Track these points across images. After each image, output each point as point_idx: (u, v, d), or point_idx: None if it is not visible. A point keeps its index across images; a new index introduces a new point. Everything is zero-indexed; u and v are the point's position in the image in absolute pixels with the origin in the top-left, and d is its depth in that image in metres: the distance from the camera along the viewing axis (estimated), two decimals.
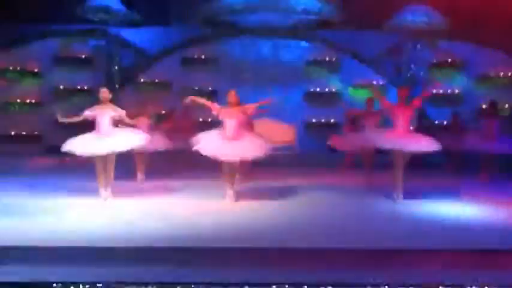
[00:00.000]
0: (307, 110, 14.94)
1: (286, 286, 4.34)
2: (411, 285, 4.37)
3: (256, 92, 13.76)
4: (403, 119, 7.13)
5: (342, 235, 5.49)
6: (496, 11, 13.08)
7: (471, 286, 4.37)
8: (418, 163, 10.57)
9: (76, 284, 4.29)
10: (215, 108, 7.45)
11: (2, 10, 13.71)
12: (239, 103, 7.52)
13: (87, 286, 4.29)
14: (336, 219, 6.30)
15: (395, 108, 7.19)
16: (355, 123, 9.40)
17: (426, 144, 7.17)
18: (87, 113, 7.43)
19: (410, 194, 7.39)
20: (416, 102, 7.35)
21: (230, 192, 7.43)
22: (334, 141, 9.92)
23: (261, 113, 10.27)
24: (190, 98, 7.61)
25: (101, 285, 4.31)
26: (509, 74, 14.41)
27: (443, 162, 11.35)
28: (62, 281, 4.30)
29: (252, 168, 9.38)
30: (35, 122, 14.32)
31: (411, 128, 7.76)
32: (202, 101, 7.50)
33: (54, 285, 4.30)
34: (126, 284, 4.33)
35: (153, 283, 4.34)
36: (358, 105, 9.73)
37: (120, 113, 7.51)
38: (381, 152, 7.63)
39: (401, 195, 7.26)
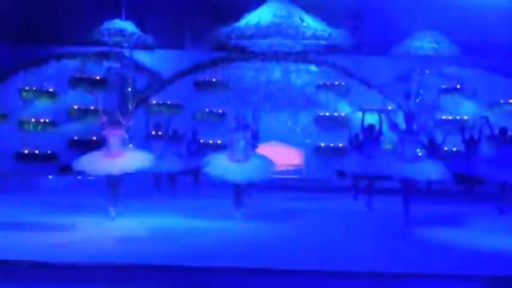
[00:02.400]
0: (316, 133, 15.07)
1: None
2: None
3: (266, 115, 14.01)
4: (409, 143, 7.20)
5: (345, 258, 5.52)
6: (504, 38, 13.23)
7: None
8: (428, 189, 10.64)
9: None
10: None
11: (20, 31, 14.17)
12: (246, 125, 7.67)
13: None
14: (341, 242, 6.33)
15: (402, 133, 7.27)
16: (360, 147, 9.48)
17: (434, 172, 7.20)
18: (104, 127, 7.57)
19: (419, 219, 7.40)
20: (423, 127, 7.42)
21: (237, 213, 7.52)
22: (341, 165, 9.98)
23: (269, 135, 10.47)
24: None
25: None
26: None
27: (454, 187, 11.35)
28: None
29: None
30: (49, 140, 14.61)
31: (419, 153, 7.78)
32: None
33: None
34: None
35: None
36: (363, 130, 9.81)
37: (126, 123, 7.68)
38: (388, 178, 7.67)
39: (409, 220, 7.27)
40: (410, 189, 7.26)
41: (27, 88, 14.95)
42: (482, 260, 5.51)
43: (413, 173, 7.09)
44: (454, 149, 11.97)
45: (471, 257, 5.64)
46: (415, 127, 7.37)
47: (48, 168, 13.74)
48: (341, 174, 11.29)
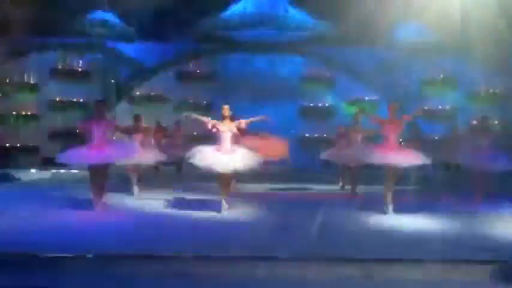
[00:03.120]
0: (301, 124, 15.11)
1: None
2: None
3: (251, 106, 13.99)
4: (393, 133, 7.29)
5: (330, 245, 5.59)
6: (487, 29, 13.37)
7: None
8: (411, 178, 10.77)
9: None
10: (211, 123, 7.62)
11: (1, 23, 13.88)
12: (233, 117, 7.67)
13: None
14: (325, 230, 6.40)
15: (385, 123, 7.36)
16: (346, 138, 9.56)
17: (415, 159, 7.31)
18: (83, 124, 7.54)
19: (401, 207, 7.50)
20: (407, 118, 7.52)
21: (223, 203, 7.54)
22: (327, 155, 10.06)
23: (255, 127, 10.46)
24: (192, 116, 7.84)
25: None
26: (498, 91, 14.67)
27: (437, 176, 11.53)
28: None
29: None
30: (31, 133, 14.40)
31: (401, 142, 7.86)
32: (199, 117, 7.70)
33: None
34: None
35: None
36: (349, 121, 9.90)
37: (115, 125, 7.63)
38: (370, 167, 7.76)
39: (391, 208, 7.37)
40: (392, 177, 7.36)
41: (7, 81, 14.67)
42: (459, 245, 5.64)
43: (395, 161, 7.19)
44: (436, 137, 12.12)
45: (445, 242, 5.75)
46: (396, 116, 7.46)
47: (30, 161, 13.57)
48: (326, 164, 11.38)
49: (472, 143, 9.34)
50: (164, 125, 11.24)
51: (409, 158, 7.29)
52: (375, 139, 8.70)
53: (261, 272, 4.85)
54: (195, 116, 7.77)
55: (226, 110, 7.61)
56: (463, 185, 9.91)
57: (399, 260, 5.06)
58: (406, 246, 5.59)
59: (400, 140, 8.00)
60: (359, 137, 9.05)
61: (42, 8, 14.45)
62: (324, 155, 10.14)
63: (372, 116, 7.67)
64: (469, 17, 13.62)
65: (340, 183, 10.15)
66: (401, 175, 7.56)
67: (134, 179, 9.29)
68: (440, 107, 14.80)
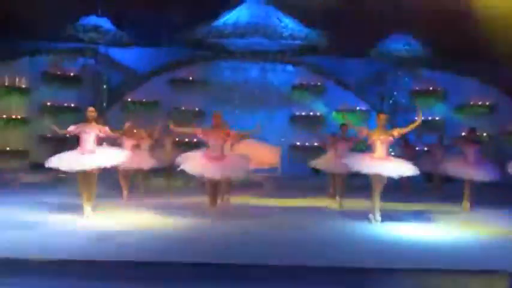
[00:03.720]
0: (292, 132, 15.20)
1: None
2: None
3: (242, 114, 14.06)
4: (381, 144, 7.37)
5: (318, 254, 5.64)
6: (475, 43, 13.59)
7: None
8: (399, 186, 10.89)
9: None
10: (199, 132, 7.68)
11: None
12: (224, 124, 7.74)
13: None
14: (314, 239, 6.45)
15: (374, 134, 7.44)
16: (334, 146, 9.66)
17: (404, 169, 7.40)
18: (71, 129, 7.56)
19: (388, 216, 7.58)
20: (395, 133, 7.53)
21: (211, 210, 7.57)
22: (315, 163, 10.13)
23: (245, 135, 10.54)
24: (174, 128, 7.85)
25: None
26: (487, 103, 14.91)
27: (425, 186, 11.66)
28: None
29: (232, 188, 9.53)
30: (20, 137, 14.32)
31: (390, 153, 7.96)
32: (185, 130, 7.71)
33: None
34: None
35: None
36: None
37: (105, 131, 7.65)
38: (357, 176, 7.83)
39: (378, 217, 7.44)
40: (380, 187, 7.44)
41: None
42: (445, 255, 5.71)
43: (384, 171, 7.27)
44: (426, 148, 12.24)
45: (436, 252, 5.83)
46: (385, 127, 7.55)
47: (19, 165, 13.48)
48: (316, 172, 11.45)
49: (460, 153, 9.50)
50: (155, 131, 11.26)
51: (397, 168, 7.37)
52: (365, 149, 8.79)
53: (247, 278, 4.89)
54: (181, 129, 7.79)
55: (217, 117, 7.68)
56: (451, 194, 10.06)
57: (388, 270, 5.11)
58: (394, 255, 5.66)
59: (390, 150, 8.11)
60: (346, 146, 9.16)
61: (36, 12, 14.44)
62: (313, 163, 10.22)
63: (359, 128, 7.79)
64: (458, 28, 13.86)
65: (330, 191, 10.22)
66: (388, 185, 7.63)
67: (125, 184, 9.30)
68: (429, 118, 14.99)
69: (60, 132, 7.73)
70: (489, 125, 14.41)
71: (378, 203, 7.43)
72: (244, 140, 9.65)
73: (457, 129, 13.82)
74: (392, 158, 7.79)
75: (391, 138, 7.44)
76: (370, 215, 7.49)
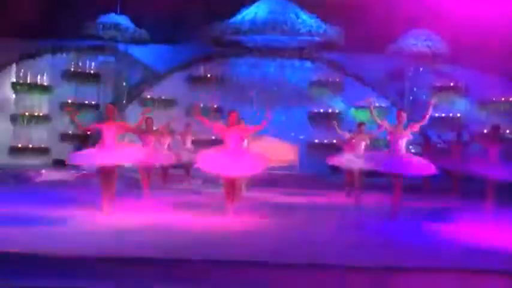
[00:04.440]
0: (310, 130, 15.12)
1: None
2: None
3: (260, 111, 14.03)
4: (399, 141, 7.28)
5: (337, 252, 5.60)
6: (498, 37, 13.33)
7: None
8: (420, 185, 10.76)
9: None
10: (217, 127, 7.69)
11: (14, 25, 14.09)
12: (239, 122, 7.73)
13: None
14: (332, 236, 6.42)
15: (393, 130, 7.35)
16: (352, 144, 9.60)
17: (423, 168, 7.30)
18: (92, 126, 7.66)
19: (408, 214, 7.50)
20: (414, 127, 7.45)
21: (230, 207, 7.58)
22: (333, 160, 10.07)
23: (264, 131, 10.52)
24: (196, 115, 7.89)
25: None
26: (510, 100, 14.57)
27: (446, 185, 11.47)
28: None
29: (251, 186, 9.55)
30: (42, 135, 14.58)
31: (410, 150, 7.86)
32: (205, 120, 7.72)
33: None
34: None
35: None
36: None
37: (125, 127, 7.73)
38: (375, 174, 7.75)
39: (398, 215, 7.37)
40: (400, 185, 7.35)
41: (20, 82, 14.87)
42: (467, 253, 5.63)
43: (403, 169, 7.18)
44: (448, 146, 12.04)
45: (456, 251, 5.74)
46: (405, 124, 7.45)
47: (41, 161, 13.73)
48: (334, 170, 11.38)
49: (482, 151, 9.32)
50: (174, 128, 11.33)
51: (418, 167, 7.27)
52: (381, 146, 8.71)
53: (263, 277, 4.88)
54: (202, 119, 7.79)
55: (233, 116, 7.66)
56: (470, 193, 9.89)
57: (409, 269, 5.05)
58: (416, 254, 5.59)
59: (410, 146, 8.02)
60: (363, 144, 9.10)
61: (57, 11, 14.67)
62: (331, 160, 10.15)
63: (381, 122, 7.66)
64: (479, 24, 13.61)
65: (346, 189, 10.15)
66: (407, 182, 7.54)
67: (145, 181, 9.39)
68: (450, 114, 14.77)
69: (81, 127, 7.83)
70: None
71: (398, 201, 7.35)
72: (260, 136, 9.66)
73: (479, 126, 13.56)
74: (411, 155, 7.68)
75: (409, 135, 7.35)
76: (392, 214, 7.41)
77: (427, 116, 7.48)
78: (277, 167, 11.02)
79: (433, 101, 7.91)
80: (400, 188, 7.36)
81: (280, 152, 10.51)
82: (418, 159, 7.55)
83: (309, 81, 15.39)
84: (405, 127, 7.42)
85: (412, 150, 12.24)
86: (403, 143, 7.29)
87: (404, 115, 7.54)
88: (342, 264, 5.06)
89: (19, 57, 14.91)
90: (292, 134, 14.26)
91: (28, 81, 14.82)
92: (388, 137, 7.46)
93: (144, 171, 9.35)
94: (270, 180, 11.32)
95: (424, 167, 7.29)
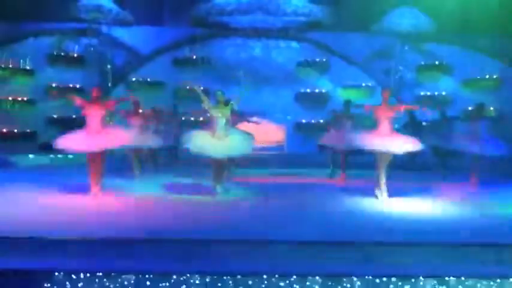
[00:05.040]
0: (298, 110, 15.16)
1: (276, 276, 4.54)
2: (393, 276, 4.58)
3: (246, 92, 14.00)
4: (385, 119, 7.36)
5: (325, 229, 5.71)
6: (482, 15, 13.41)
7: (448, 277, 4.60)
8: (405, 163, 10.90)
9: (76, 272, 4.46)
10: (206, 104, 7.69)
11: None
12: (227, 102, 7.74)
13: (87, 275, 4.45)
14: (321, 214, 6.53)
15: (378, 109, 7.43)
16: (338, 123, 9.68)
17: (408, 145, 7.40)
18: (79, 100, 7.58)
19: (394, 192, 7.63)
20: (400, 108, 7.67)
21: (217, 188, 7.65)
22: (322, 140, 10.14)
23: (251, 112, 10.55)
24: (192, 87, 7.91)
25: (100, 274, 4.48)
26: (495, 77, 14.72)
27: (431, 162, 11.64)
28: (62, 269, 4.47)
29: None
30: (28, 119, 14.41)
31: (394, 128, 7.95)
32: (201, 94, 7.73)
33: (56, 273, 4.46)
34: (124, 273, 4.50)
35: (147, 272, 4.53)
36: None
37: (110, 104, 7.73)
38: (363, 152, 7.84)
39: (385, 193, 7.48)
40: (385, 163, 7.45)
41: (3, 66, 14.61)
42: (452, 228, 5.78)
43: (388, 147, 7.28)
44: (434, 123, 12.17)
45: (440, 226, 5.89)
46: (389, 102, 7.53)
47: (27, 146, 13.58)
48: (322, 149, 11.47)
49: (468, 128, 9.47)
50: (160, 110, 11.29)
51: (402, 144, 7.38)
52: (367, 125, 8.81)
53: (255, 254, 4.96)
54: (198, 89, 7.81)
55: (220, 95, 7.68)
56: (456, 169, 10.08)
57: (397, 244, 5.17)
58: (402, 230, 5.71)
59: (395, 125, 8.13)
60: (350, 123, 9.19)
61: None
62: (320, 140, 10.20)
63: (364, 106, 7.84)
64: (464, 3, 13.67)
65: (331, 167, 10.24)
66: (392, 160, 7.64)
67: (135, 162, 9.40)
68: (436, 93, 14.90)
69: (75, 99, 7.68)
70: (496, 100, 14.28)
71: (383, 179, 7.46)
72: (247, 117, 9.69)
73: (464, 104, 13.71)
74: (396, 133, 7.78)
75: (394, 113, 7.43)
76: (377, 191, 7.53)
77: (408, 107, 7.71)
78: (265, 147, 11.11)
79: (423, 108, 8.15)
80: (386, 165, 7.47)
81: (267, 133, 10.59)
82: (403, 137, 7.66)
83: (296, 61, 15.37)
84: (391, 105, 7.50)
85: (396, 126, 12.40)
86: (389, 120, 7.38)
87: (387, 94, 7.61)
88: (324, 241, 5.17)
89: (0, 41, 14.61)
90: (288, 117, 14.34)
91: (11, 66, 14.56)
92: (374, 116, 7.54)
93: (132, 153, 9.35)
94: (257, 160, 11.38)
95: (410, 143, 7.41)
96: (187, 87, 7.94)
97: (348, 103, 9.51)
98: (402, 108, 8.00)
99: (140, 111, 9.77)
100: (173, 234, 5.28)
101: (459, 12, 13.85)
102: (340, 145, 9.01)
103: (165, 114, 11.10)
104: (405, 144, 7.37)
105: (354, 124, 9.17)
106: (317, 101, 15.06)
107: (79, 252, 4.89)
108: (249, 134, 8.03)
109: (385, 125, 7.36)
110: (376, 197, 7.51)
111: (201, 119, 13.52)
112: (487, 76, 14.72)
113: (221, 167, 7.83)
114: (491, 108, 13.99)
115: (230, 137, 7.62)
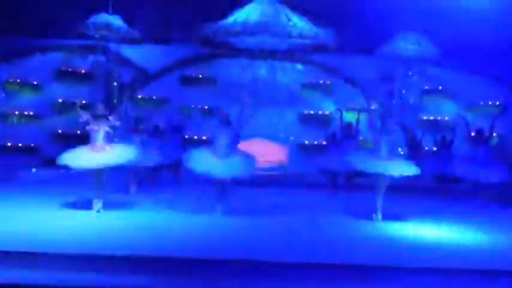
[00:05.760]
0: (301, 131, 15.22)
1: None
2: None
3: (251, 112, 14.10)
4: (382, 142, 7.41)
5: (322, 250, 5.70)
6: (485, 40, 13.54)
7: None
8: (406, 186, 10.89)
9: None
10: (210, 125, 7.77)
11: (5, 23, 14.05)
12: (229, 122, 7.80)
13: None
14: (318, 236, 6.52)
15: (378, 132, 7.48)
16: (338, 144, 9.72)
17: (406, 168, 7.44)
18: (84, 115, 7.65)
19: (391, 215, 7.63)
20: (395, 127, 7.63)
21: (219, 207, 7.66)
22: (319, 162, 10.16)
23: (255, 133, 10.62)
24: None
25: None
26: (497, 103, 14.79)
27: (432, 186, 11.62)
28: (58, 285, 4.48)
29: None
30: (32, 134, 14.52)
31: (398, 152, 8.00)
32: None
33: None
34: None
35: None
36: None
37: (114, 121, 7.80)
38: (362, 174, 7.87)
39: (380, 216, 7.49)
40: (383, 186, 7.47)
41: (11, 80, 14.81)
42: (448, 254, 5.75)
43: (386, 170, 7.31)
44: (435, 148, 12.21)
45: (439, 251, 5.86)
46: (392, 126, 7.58)
47: (31, 161, 13.66)
48: (322, 171, 11.48)
49: (468, 153, 9.50)
50: (163, 127, 11.37)
51: (399, 168, 7.41)
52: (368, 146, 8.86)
53: (255, 274, 4.96)
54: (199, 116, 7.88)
55: (222, 114, 7.76)
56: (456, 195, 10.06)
57: (393, 267, 5.16)
58: (400, 252, 5.70)
59: (399, 148, 8.18)
60: (350, 144, 9.23)
61: (48, 10, 14.63)
62: (318, 163, 10.19)
63: (370, 122, 7.85)
64: (468, 29, 13.80)
65: (331, 190, 10.22)
66: (391, 183, 7.66)
67: (133, 180, 9.44)
68: (439, 117, 14.96)
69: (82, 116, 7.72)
70: (499, 125, 14.28)
71: (380, 202, 7.48)
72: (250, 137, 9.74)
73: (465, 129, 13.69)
74: (395, 156, 7.80)
75: (392, 136, 7.48)
76: (374, 214, 7.53)
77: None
78: (267, 167, 11.11)
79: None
80: (384, 188, 7.49)
81: (269, 153, 10.62)
82: (400, 160, 7.70)
83: (300, 83, 15.50)
84: (391, 128, 7.56)
85: (401, 152, 12.42)
86: (386, 144, 7.42)
87: (386, 116, 7.68)
88: (329, 263, 5.16)
89: (9, 56, 14.84)
90: (291, 138, 14.40)
91: (18, 80, 14.76)
92: (373, 138, 7.60)
93: (133, 170, 9.41)
94: (259, 181, 11.38)
95: (406, 167, 7.44)
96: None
97: (348, 125, 9.58)
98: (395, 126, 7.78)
99: (141, 127, 9.87)
100: (174, 252, 5.29)
101: (462, 37, 13.97)
102: (340, 167, 9.04)
103: (167, 131, 11.18)
104: (403, 168, 7.41)
105: (355, 146, 9.21)
106: (320, 122, 15.13)
107: (79, 268, 4.90)
108: (250, 155, 8.09)
109: (383, 148, 7.40)
110: (373, 219, 7.51)
111: (204, 137, 13.66)
112: (490, 102, 14.78)
113: (223, 187, 7.86)
114: (494, 134, 13.99)
115: (232, 156, 7.66)
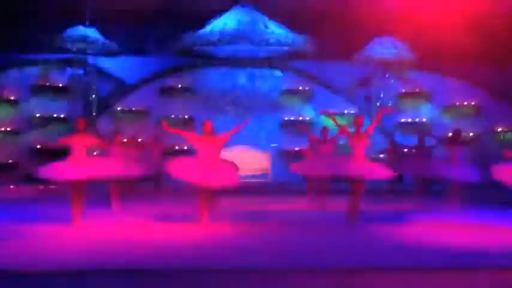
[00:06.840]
0: (282, 138, 15.31)
1: None
2: None
3: (232, 120, 14.15)
4: (358, 147, 7.50)
5: (303, 256, 5.74)
6: (459, 43, 13.85)
7: None
8: (385, 189, 11.04)
9: None
10: (191, 137, 7.75)
11: None
12: (213, 132, 7.81)
13: None
14: (298, 241, 6.56)
15: (352, 137, 7.57)
16: (315, 150, 9.79)
17: (380, 172, 7.54)
18: (62, 140, 7.62)
19: (368, 218, 7.71)
20: (369, 129, 7.68)
21: (204, 217, 7.64)
22: (296, 167, 10.16)
23: (236, 140, 10.62)
24: (167, 129, 7.93)
25: None
26: (473, 104, 15.14)
27: (410, 187, 11.80)
28: None
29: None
30: (11, 150, 14.30)
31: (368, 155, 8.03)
32: (178, 131, 7.79)
33: None
34: None
35: None
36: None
37: (93, 142, 7.74)
38: (338, 179, 7.93)
39: (357, 220, 7.56)
40: (359, 189, 7.55)
41: None
42: (428, 254, 5.84)
43: (360, 174, 7.40)
44: (414, 150, 12.40)
45: (418, 252, 5.95)
46: (366, 129, 7.66)
47: (9, 177, 13.45)
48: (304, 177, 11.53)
49: (445, 154, 9.68)
50: (142, 139, 11.34)
51: (374, 172, 7.51)
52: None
53: (244, 282, 4.96)
54: (174, 130, 7.88)
55: (207, 125, 7.74)
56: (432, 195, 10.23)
57: (370, 269, 5.22)
58: (378, 255, 5.77)
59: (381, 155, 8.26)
60: (327, 149, 9.31)
61: (23, 24, 14.48)
62: (294, 168, 10.17)
63: (342, 128, 7.91)
64: (443, 32, 14.11)
65: (310, 196, 10.27)
66: (367, 187, 7.74)
67: (114, 193, 9.36)
68: (416, 119, 15.24)
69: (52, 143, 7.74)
70: (474, 126, 14.66)
71: (357, 206, 7.55)
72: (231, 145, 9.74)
73: (442, 130, 14.00)
74: (369, 160, 7.89)
75: (368, 140, 7.55)
76: (351, 218, 7.59)
77: (377, 121, 7.78)
78: (250, 175, 11.12)
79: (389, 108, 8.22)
80: (361, 192, 7.56)
81: (252, 161, 10.64)
82: (376, 164, 7.80)
83: (280, 90, 15.62)
84: (363, 132, 7.64)
85: (380, 156, 12.59)
86: (362, 147, 7.51)
87: (361, 120, 7.75)
88: (306, 268, 5.20)
89: None
90: (273, 145, 14.48)
91: None
92: (348, 143, 7.67)
93: (114, 183, 9.33)
94: (242, 188, 11.39)
95: (382, 171, 7.55)
96: (166, 129, 7.97)
97: (324, 129, 9.67)
98: (370, 131, 7.65)
99: (121, 139, 9.80)
100: (158, 265, 5.26)
101: (437, 39, 14.28)
102: (318, 172, 9.08)
103: (147, 143, 11.14)
104: (377, 171, 7.50)
105: (331, 150, 9.28)
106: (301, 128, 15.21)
107: (60, 284, 4.84)
108: (233, 163, 8.10)
109: (358, 152, 7.49)
110: (350, 223, 7.56)
111: (185, 147, 13.63)
112: (465, 103, 15.14)
113: (208, 196, 7.84)
114: (470, 134, 14.33)
115: (216, 166, 7.66)
